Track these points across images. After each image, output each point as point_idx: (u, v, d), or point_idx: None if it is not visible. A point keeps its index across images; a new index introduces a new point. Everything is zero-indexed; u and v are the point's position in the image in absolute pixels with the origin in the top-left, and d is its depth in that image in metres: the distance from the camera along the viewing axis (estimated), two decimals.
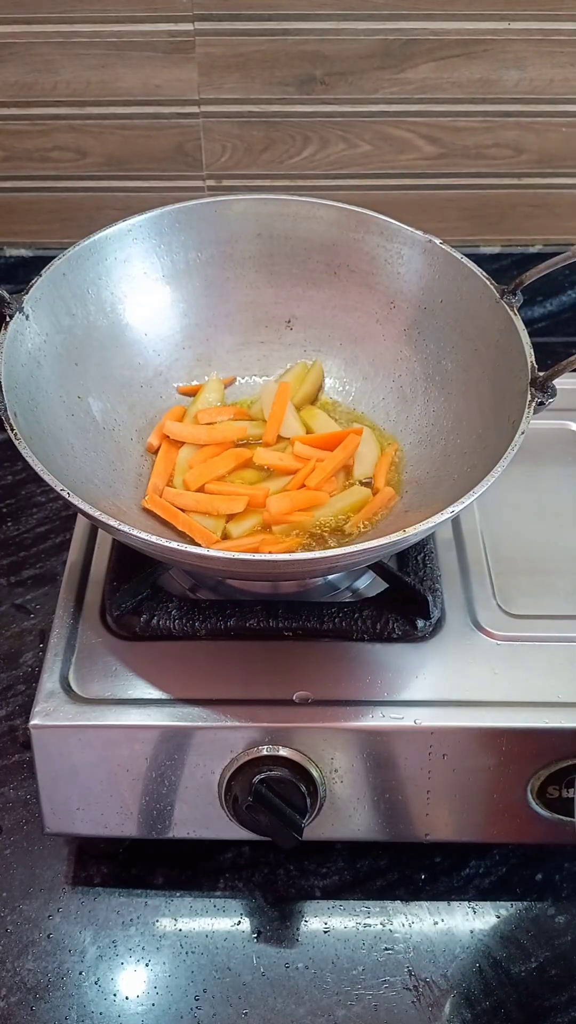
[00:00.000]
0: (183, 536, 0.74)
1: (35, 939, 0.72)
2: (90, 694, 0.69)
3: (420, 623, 0.72)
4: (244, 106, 1.02)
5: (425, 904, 0.74)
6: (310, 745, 0.68)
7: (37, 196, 1.08)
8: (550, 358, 0.69)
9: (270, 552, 0.72)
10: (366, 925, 0.73)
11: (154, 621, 0.72)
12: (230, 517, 0.75)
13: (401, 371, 0.83)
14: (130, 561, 0.74)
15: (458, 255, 0.78)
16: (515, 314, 0.74)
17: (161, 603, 0.73)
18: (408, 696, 0.69)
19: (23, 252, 1.11)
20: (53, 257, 0.77)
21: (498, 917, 0.73)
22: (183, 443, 0.79)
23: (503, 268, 1.12)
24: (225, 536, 0.74)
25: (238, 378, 0.85)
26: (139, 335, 0.83)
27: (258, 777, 0.67)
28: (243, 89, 1.00)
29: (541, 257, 1.02)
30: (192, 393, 0.84)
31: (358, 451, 0.79)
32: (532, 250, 1.12)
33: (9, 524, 0.99)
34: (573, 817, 0.70)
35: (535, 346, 0.71)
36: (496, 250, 1.12)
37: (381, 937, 0.72)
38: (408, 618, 0.72)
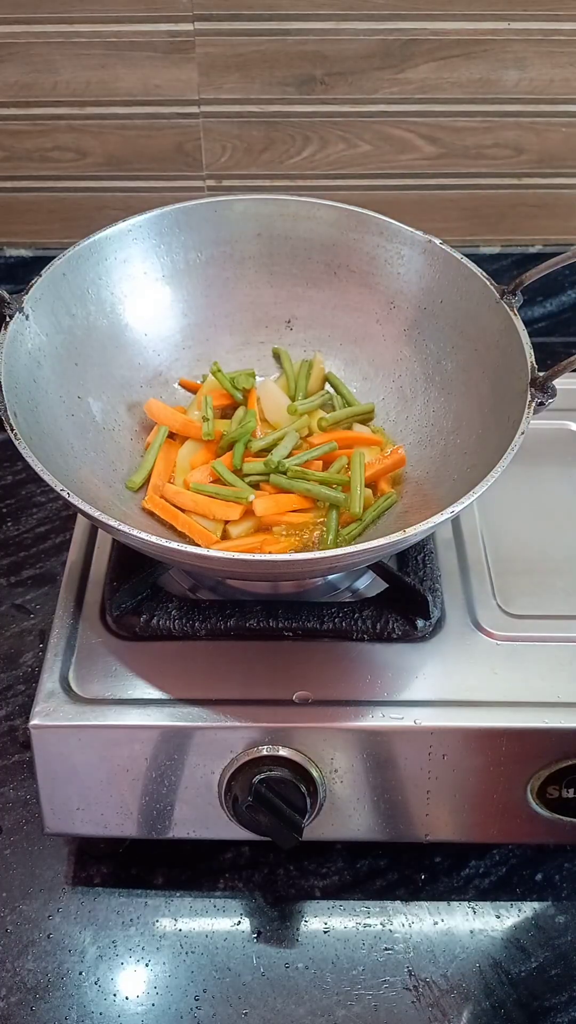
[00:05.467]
0: (183, 536, 0.74)
1: (35, 939, 0.72)
2: (90, 694, 0.69)
3: (420, 623, 0.72)
4: (244, 106, 1.02)
5: (425, 904, 0.74)
6: (310, 745, 0.68)
7: (37, 196, 1.08)
8: (550, 358, 0.69)
9: (270, 552, 0.72)
10: (366, 925, 0.73)
11: (154, 621, 0.72)
12: None
13: (401, 371, 0.83)
14: (130, 561, 0.74)
15: (458, 255, 0.78)
16: (515, 314, 0.74)
17: (161, 603, 0.73)
18: (408, 696, 0.69)
19: (23, 252, 1.11)
20: (53, 257, 0.77)
21: (498, 917, 0.73)
22: (182, 443, 0.79)
23: (503, 268, 1.12)
24: (225, 536, 0.74)
25: None
26: (139, 335, 0.83)
27: (258, 777, 0.67)
28: (243, 89, 1.01)
29: (541, 257, 1.03)
30: (194, 389, 0.84)
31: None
32: (532, 250, 1.12)
33: (9, 524, 0.99)
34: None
35: (535, 346, 0.71)
36: (496, 250, 1.12)
37: (381, 937, 0.72)
38: (408, 618, 0.72)
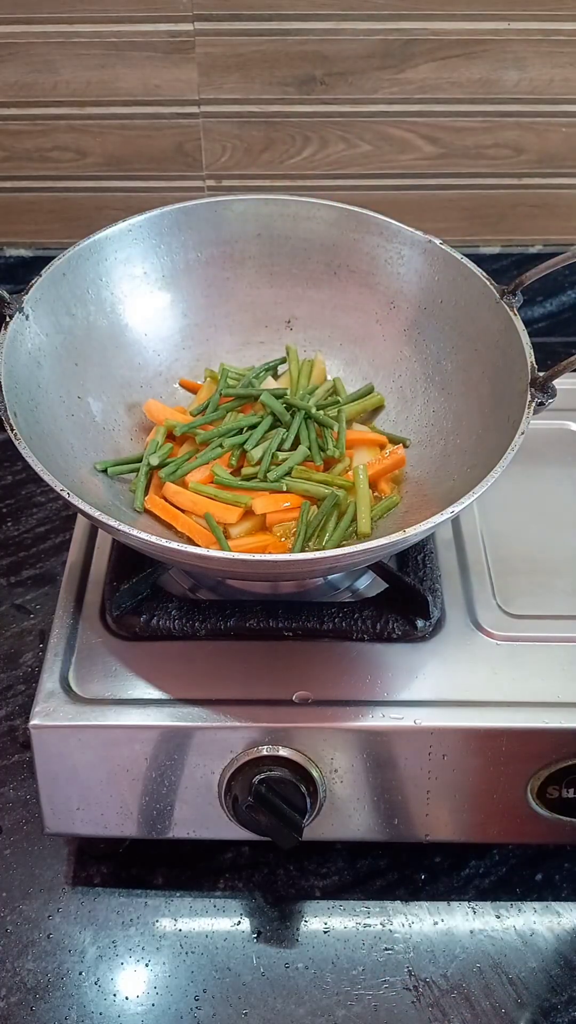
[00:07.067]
0: (183, 536, 0.74)
1: (35, 939, 0.72)
2: (90, 694, 0.69)
3: (420, 623, 0.72)
4: (244, 106, 1.02)
5: (425, 904, 0.74)
6: (310, 745, 0.68)
7: (37, 196, 1.08)
8: (550, 358, 0.69)
9: (270, 552, 0.72)
10: (366, 925, 0.73)
11: (154, 621, 0.72)
12: None
13: (401, 371, 0.83)
14: (130, 561, 0.74)
15: (458, 255, 0.78)
16: (515, 314, 0.74)
17: (161, 603, 0.73)
18: (408, 696, 0.69)
19: (23, 252, 1.11)
20: (53, 257, 0.77)
21: (498, 917, 0.73)
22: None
23: (503, 268, 1.12)
24: (225, 536, 0.74)
25: None
26: (139, 335, 0.83)
27: (258, 777, 0.67)
28: (243, 89, 1.01)
29: (541, 257, 1.03)
30: (194, 389, 0.84)
31: (357, 451, 0.79)
32: (532, 250, 1.12)
33: (9, 524, 0.99)
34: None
35: (535, 346, 0.71)
36: (496, 250, 1.12)
37: (381, 937, 0.72)
38: (408, 618, 0.72)
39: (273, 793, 0.66)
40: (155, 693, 0.69)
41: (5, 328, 0.71)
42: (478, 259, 0.79)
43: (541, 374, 0.68)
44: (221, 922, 0.73)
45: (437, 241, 0.80)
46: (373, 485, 0.77)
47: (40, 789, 0.70)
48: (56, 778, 0.70)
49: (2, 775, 0.81)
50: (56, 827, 0.72)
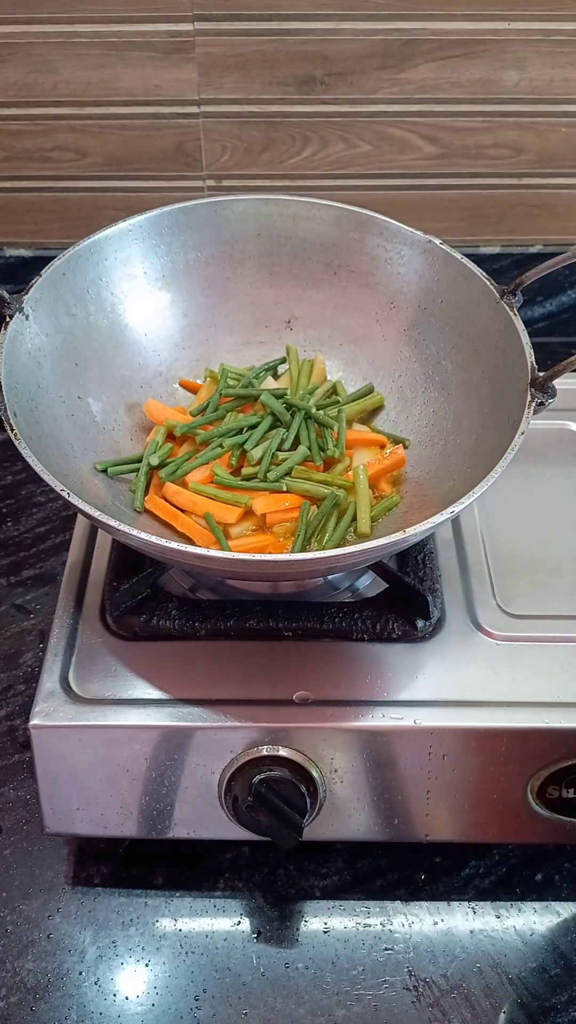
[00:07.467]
0: (183, 536, 0.74)
1: (35, 939, 0.72)
2: (90, 694, 0.69)
3: (420, 623, 0.72)
4: (244, 106, 1.02)
5: (425, 904, 0.74)
6: (310, 745, 0.68)
7: (37, 196, 1.08)
8: (550, 358, 0.69)
9: (270, 552, 0.72)
10: (366, 925, 0.73)
11: (154, 621, 0.72)
12: None
13: (401, 371, 0.83)
14: (130, 561, 0.74)
15: (458, 255, 0.78)
16: (515, 314, 0.74)
17: (161, 603, 0.73)
18: (408, 696, 0.69)
19: (23, 252, 1.11)
20: (53, 257, 0.77)
21: (498, 917, 0.73)
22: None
23: (503, 268, 1.12)
24: (225, 536, 0.74)
25: None
26: (139, 335, 0.83)
27: (258, 777, 0.67)
28: (243, 89, 1.01)
29: (541, 257, 1.03)
30: (194, 389, 0.84)
31: (357, 451, 0.79)
32: (532, 250, 1.12)
33: (9, 524, 0.99)
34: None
35: (535, 346, 0.71)
36: (496, 250, 1.12)
37: (381, 937, 0.72)
38: (408, 618, 0.72)
39: (273, 793, 0.66)
40: (155, 693, 0.69)
41: (5, 328, 0.71)
42: (478, 259, 0.79)
43: (541, 374, 0.68)
44: (221, 922, 0.73)
45: (437, 241, 0.80)
46: (373, 485, 0.77)
47: (40, 789, 0.70)
48: (56, 778, 0.70)
49: (2, 775, 0.81)
50: (56, 827, 0.72)
